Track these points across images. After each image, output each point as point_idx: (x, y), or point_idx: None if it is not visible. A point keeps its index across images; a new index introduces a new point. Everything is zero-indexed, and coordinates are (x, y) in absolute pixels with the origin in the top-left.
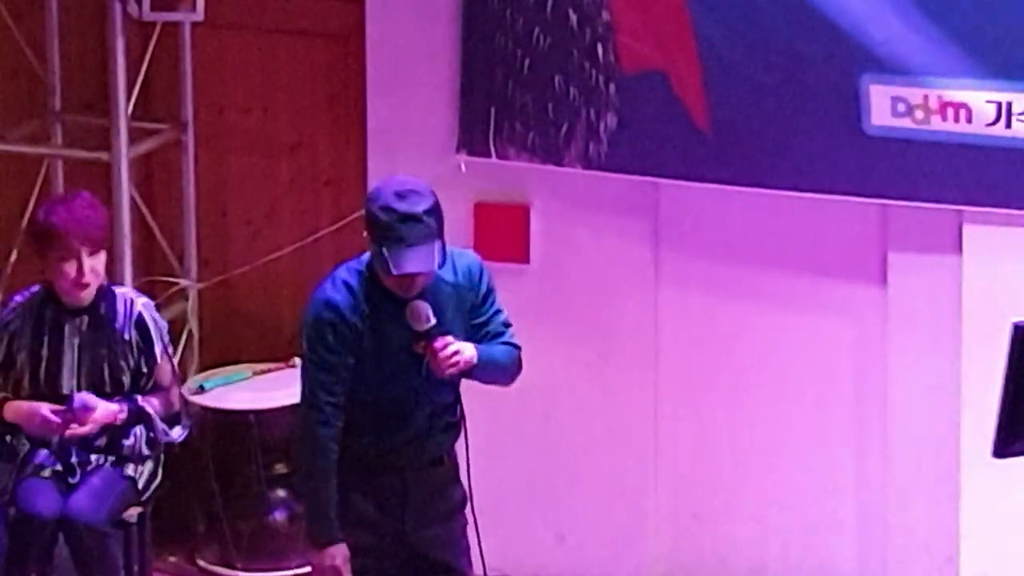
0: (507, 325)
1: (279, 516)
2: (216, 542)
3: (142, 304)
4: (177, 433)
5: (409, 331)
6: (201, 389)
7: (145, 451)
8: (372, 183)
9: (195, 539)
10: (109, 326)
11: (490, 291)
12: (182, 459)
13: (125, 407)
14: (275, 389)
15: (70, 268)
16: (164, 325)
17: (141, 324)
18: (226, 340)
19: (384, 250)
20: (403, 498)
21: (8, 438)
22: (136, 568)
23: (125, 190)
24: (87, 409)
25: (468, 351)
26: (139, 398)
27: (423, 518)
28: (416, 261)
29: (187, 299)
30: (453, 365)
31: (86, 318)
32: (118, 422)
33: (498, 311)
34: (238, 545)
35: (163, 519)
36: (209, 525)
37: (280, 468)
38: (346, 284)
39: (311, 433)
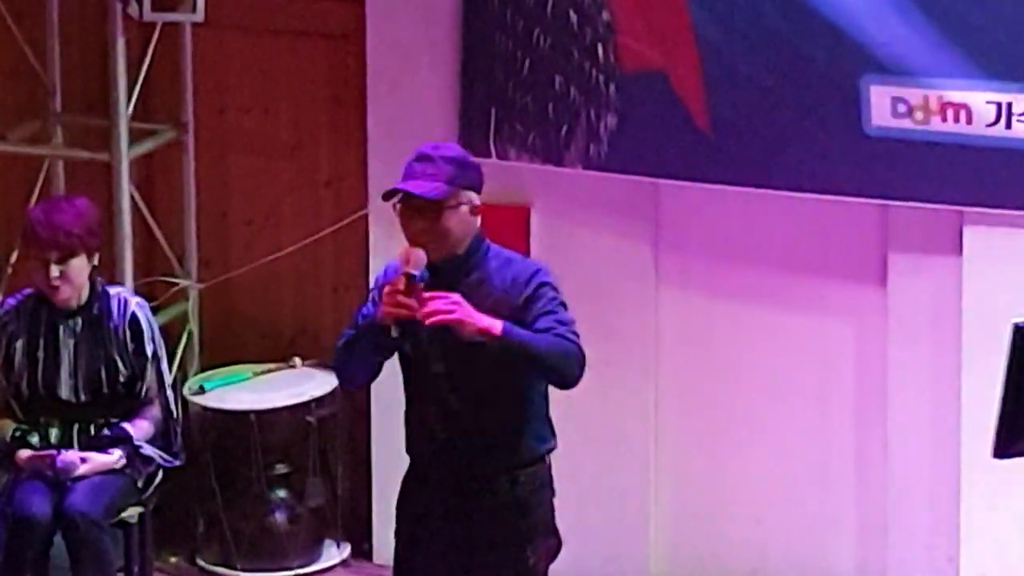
0: (562, 324)
1: (279, 516)
2: (216, 542)
3: (136, 304)
4: (176, 454)
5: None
6: (201, 389)
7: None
8: (372, 183)
9: (195, 539)
10: (104, 326)
11: (538, 296)
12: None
13: (123, 455)
14: (275, 390)
15: (39, 269)
16: (157, 327)
17: (135, 323)
18: (226, 340)
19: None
20: (453, 513)
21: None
22: (136, 568)
23: (125, 191)
24: (67, 469)
25: (486, 321)
26: (134, 434)
27: (468, 541)
28: (404, 184)
29: (187, 299)
30: (438, 314)
31: (80, 319)
32: (118, 466)
33: (547, 312)
34: (238, 545)
35: (163, 519)
36: (209, 525)
37: (280, 468)
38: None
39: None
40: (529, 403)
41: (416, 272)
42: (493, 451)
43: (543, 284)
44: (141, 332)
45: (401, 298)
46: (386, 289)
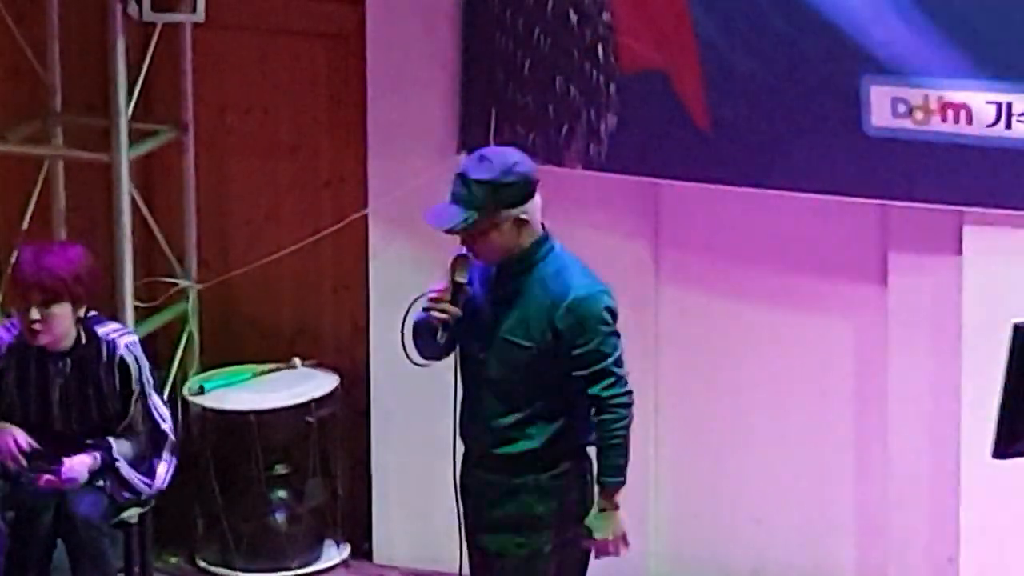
0: (611, 378)
1: (279, 516)
2: (216, 542)
3: (124, 345)
4: (160, 478)
5: (487, 305)
6: (201, 390)
7: (125, 494)
8: (372, 183)
9: (195, 539)
10: (91, 369)
11: (580, 334)
12: (182, 459)
13: (98, 457)
14: (275, 390)
15: (22, 313)
16: (146, 364)
17: (123, 366)
18: (226, 340)
19: None
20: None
21: None
22: (136, 569)
23: (125, 191)
24: (69, 479)
25: (614, 526)
26: (114, 448)
27: (479, 519)
28: (435, 215)
29: (187, 299)
30: (615, 548)
31: (69, 361)
32: (90, 470)
33: (585, 355)
34: (238, 545)
35: (163, 519)
36: (209, 525)
37: (280, 469)
38: None
39: None
40: (567, 404)
41: (464, 280)
42: (528, 440)
43: (580, 319)
44: (129, 375)
45: (445, 305)
46: (431, 295)
